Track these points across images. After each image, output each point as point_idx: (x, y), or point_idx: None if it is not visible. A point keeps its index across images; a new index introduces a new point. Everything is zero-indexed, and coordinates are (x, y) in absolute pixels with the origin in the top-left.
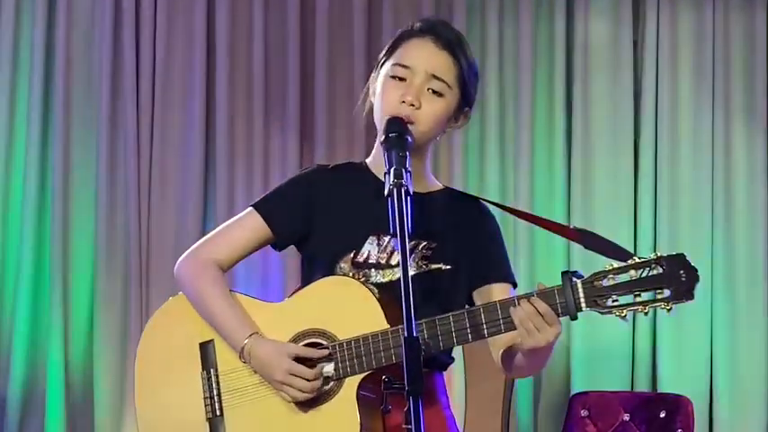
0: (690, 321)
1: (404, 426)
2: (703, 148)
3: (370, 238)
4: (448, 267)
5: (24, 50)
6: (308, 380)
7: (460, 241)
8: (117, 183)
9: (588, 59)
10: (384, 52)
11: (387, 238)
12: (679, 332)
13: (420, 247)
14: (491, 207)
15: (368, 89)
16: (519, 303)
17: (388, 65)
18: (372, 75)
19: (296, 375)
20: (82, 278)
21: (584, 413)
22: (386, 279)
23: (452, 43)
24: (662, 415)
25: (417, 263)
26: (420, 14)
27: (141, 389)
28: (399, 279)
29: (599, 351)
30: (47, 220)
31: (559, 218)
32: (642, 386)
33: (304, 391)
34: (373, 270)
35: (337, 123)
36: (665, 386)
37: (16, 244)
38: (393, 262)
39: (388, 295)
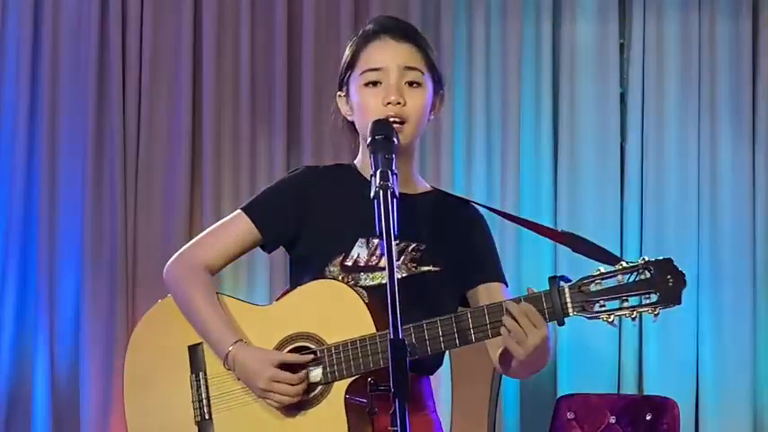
0: (676, 324)
1: (389, 428)
2: (689, 151)
3: (360, 240)
4: (437, 269)
5: (11, 50)
6: (291, 384)
7: (450, 243)
8: (103, 183)
9: (574, 61)
10: (344, 67)
11: (376, 241)
12: (665, 335)
13: (409, 248)
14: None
15: (336, 109)
16: (507, 310)
17: (355, 77)
18: (338, 94)
19: (279, 382)
20: (68, 279)
21: (570, 416)
22: (375, 282)
23: (410, 33)
24: (648, 417)
25: (407, 265)
26: (408, 20)
27: (130, 391)
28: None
29: (585, 354)
30: (33, 221)
31: (545, 221)
32: (628, 389)
33: (288, 396)
34: (362, 273)
35: (324, 125)
36: (651, 389)
37: (2, 244)
38: (382, 264)
39: (377, 298)
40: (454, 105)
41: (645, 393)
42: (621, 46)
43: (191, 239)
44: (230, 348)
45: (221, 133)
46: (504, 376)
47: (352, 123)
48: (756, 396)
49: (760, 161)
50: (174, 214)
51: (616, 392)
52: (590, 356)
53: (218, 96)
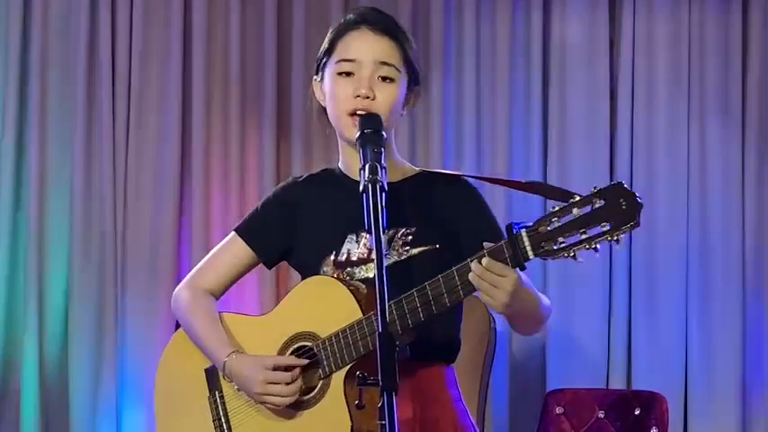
0: (665, 319)
1: (377, 422)
2: (679, 149)
3: (349, 236)
4: (434, 247)
5: None
6: (286, 384)
7: (444, 219)
8: (92, 181)
9: (564, 59)
10: (322, 52)
11: (364, 234)
12: (654, 330)
13: (398, 234)
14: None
15: (312, 92)
16: (472, 270)
17: (331, 64)
18: (314, 79)
19: (274, 383)
20: (57, 277)
21: (559, 410)
22: (371, 273)
23: (389, 27)
24: (636, 412)
25: (398, 250)
26: (398, 16)
27: (161, 419)
28: (385, 269)
29: (574, 348)
30: (22, 219)
31: (536, 217)
32: (617, 383)
33: (285, 396)
34: (356, 267)
35: (314, 122)
36: (640, 383)
37: None
38: (374, 256)
39: (374, 289)
40: (444, 102)
41: (633, 388)
42: (611, 42)
43: (179, 236)
44: (226, 360)
45: (211, 130)
46: (492, 373)
47: (325, 109)
48: (745, 391)
49: (749, 158)
50: (163, 212)
51: (605, 387)
52: (579, 351)
53: (207, 92)
